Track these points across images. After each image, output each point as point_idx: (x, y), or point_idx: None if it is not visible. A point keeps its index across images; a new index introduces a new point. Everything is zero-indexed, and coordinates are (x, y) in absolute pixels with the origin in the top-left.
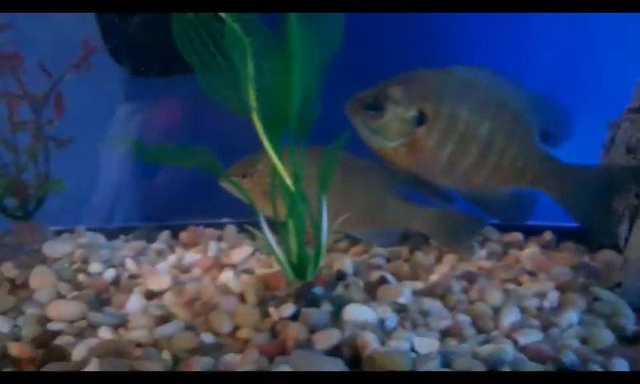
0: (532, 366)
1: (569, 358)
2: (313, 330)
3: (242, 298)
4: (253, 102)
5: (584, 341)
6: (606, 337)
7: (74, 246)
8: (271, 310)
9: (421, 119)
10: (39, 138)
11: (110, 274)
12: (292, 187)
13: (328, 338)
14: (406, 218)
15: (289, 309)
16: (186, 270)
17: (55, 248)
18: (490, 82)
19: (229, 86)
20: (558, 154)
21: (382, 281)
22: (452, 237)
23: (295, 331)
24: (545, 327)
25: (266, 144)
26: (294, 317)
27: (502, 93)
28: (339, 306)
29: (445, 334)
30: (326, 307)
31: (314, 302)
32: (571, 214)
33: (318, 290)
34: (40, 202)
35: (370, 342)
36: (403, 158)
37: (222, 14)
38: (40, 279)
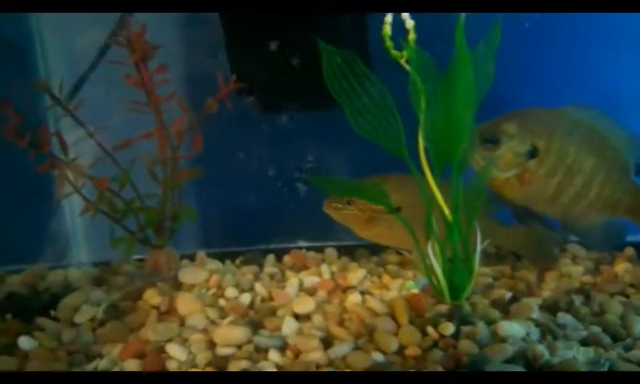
0: None
1: None
2: (480, 346)
3: (392, 318)
4: (422, 139)
5: None
6: None
7: (206, 272)
8: (429, 329)
9: (533, 153)
10: (177, 171)
11: (246, 298)
12: (450, 217)
13: (502, 351)
14: (498, 237)
15: (450, 328)
16: (310, 292)
17: (191, 274)
18: (595, 120)
19: (377, 124)
20: None
21: (514, 299)
22: (537, 252)
23: (468, 347)
24: None
25: (429, 179)
26: (454, 335)
27: (604, 131)
28: (487, 323)
29: (584, 343)
30: (481, 325)
31: (467, 321)
32: None
33: (466, 309)
34: (174, 231)
35: (544, 353)
36: (512, 188)
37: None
38: (188, 305)
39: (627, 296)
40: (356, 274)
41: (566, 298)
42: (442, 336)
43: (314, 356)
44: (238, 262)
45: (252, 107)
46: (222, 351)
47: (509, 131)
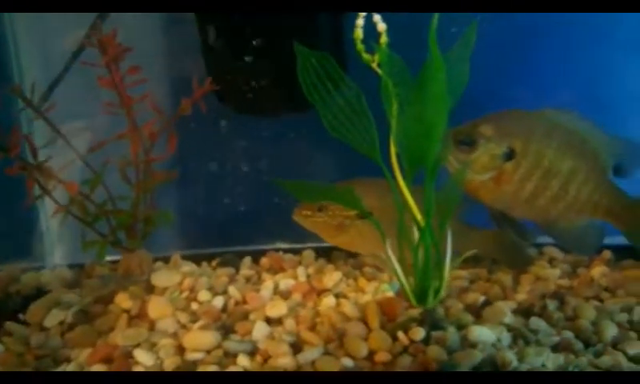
0: None
1: None
2: (449, 352)
3: (363, 323)
4: (394, 144)
5: None
6: None
7: (179, 275)
8: (399, 334)
9: (510, 155)
10: (150, 173)
11: (219, 301)
12: (422, 222)
13: (470, 357)
14: (470, 241)
15: (420, 333)
16: (284, 295)
17: (164, 278)
18: (573, 122)
19: (351, 126)
20: None
21: (487, 303)
22: (510, 254)
23: (437, 353)
24: None
25: (401, 183)
26: (424, 340)
27: (583, 132)
28: (458, 328)
29: (555, 349)
30: (451, 330)
31: (438, 326)
32: (635, 244)
33: (439, 314)
34: (147, 234)
35: (512, 360)
36: (489, 190)
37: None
38: (158, 309)
39: (602, 300)
40: (332, 277)
41: (540, 302)
42: (412, 341)
43: (283, 361)
44: (214, 264)
45: (228, 108)
46: (191, 356)
47: (485, 133)
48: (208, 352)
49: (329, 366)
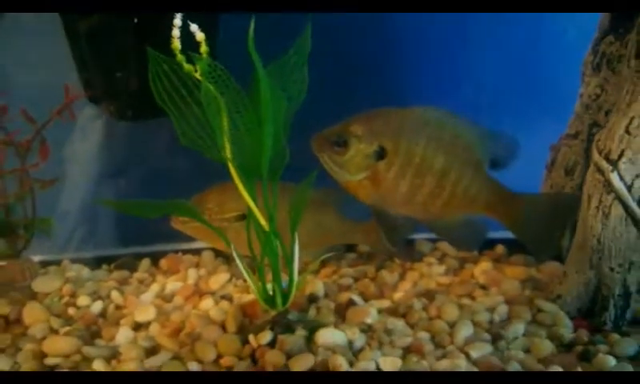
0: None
1: (514, 368)
2: (289, 356)
3: (223, 326)
4: (228, 153)
5: (527, 351)
6: (546, 346)
7: (62, 280)
8: (250, 337)
9: (381, 154)
10: (25, 182)
11: (97, 306)
12: (266, 226)
13: (303, 362)
14: (349, 233)
15: (267, 336)
16: (168, 299)
17: (44, 284)
18: (443, 118)
19: (204, 134)
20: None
21: (350, 303)
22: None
23: (273, 357)
24: (494, 340)
25: (241, 188)
26: (271, 344)
27: (454, 128)
28: (312, 330)
29: (407, 351)
30: (301, 332)
31: (289, 329)
32: (518, 237)
33: (293, 315)
34: (28, 241)
35: (341, 364)
36: (366, 190)
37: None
38: (33, 315)
39: (474, 298)
40: (218, 279)
41: (411, 301)
42: (260, 345)
43: (130, 366)
44: (111, 266)
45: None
46: (49, 361)
47: (356, 133)
48: (66, 357)
49: (174, 370)
